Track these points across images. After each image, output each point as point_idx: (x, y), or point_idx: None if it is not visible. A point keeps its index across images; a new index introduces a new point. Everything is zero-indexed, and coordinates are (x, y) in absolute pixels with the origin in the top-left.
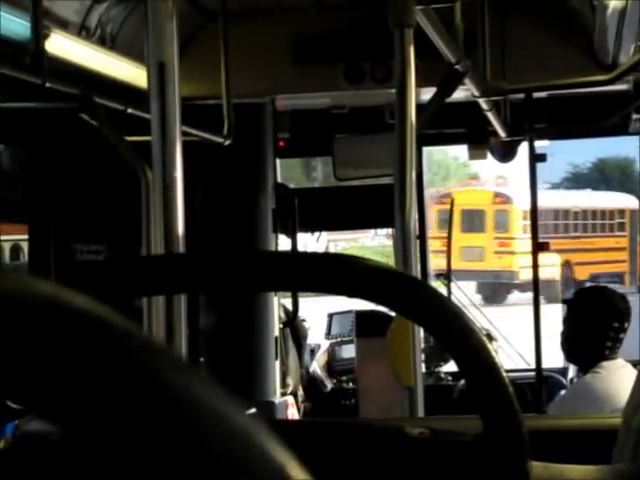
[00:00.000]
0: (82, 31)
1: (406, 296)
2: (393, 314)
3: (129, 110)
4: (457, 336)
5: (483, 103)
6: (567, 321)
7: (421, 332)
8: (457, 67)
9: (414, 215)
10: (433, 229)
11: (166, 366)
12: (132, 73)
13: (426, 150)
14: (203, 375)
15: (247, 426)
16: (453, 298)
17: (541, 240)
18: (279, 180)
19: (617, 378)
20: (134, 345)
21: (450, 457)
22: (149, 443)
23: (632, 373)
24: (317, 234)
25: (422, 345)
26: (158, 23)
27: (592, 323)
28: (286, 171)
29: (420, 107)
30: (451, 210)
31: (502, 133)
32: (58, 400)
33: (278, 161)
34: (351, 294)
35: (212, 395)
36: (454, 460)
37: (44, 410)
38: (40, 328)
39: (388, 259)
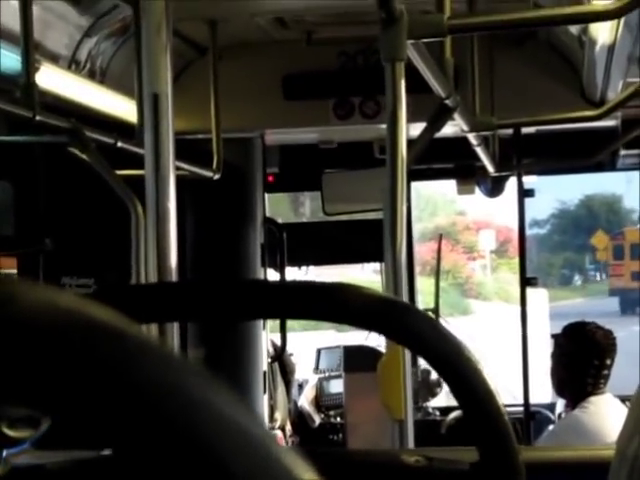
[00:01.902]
0: (72, 64)
1: (402, 323)
2: (381, 349)
3: (119, 144)
4: (452, 363)
5: (472, 138)
6: (553, 356)
7: (410, 365)
8: (447, 102)
9: (404, 250)
10: None
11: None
12: (122, 107)
13: (414, 186)
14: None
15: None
16: None
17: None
18: (267, 215)
19: (605, 413)
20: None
21: None
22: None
23: (620, 408)
24: (305, 269)
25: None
26: (152, 55)
27: (573, 359)
28: (274, 206)
29: (409, 142)
30: (439, 249)
31: (490, 168)
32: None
33: (267, 196)
34: (348, 322)
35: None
36: None
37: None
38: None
39: None
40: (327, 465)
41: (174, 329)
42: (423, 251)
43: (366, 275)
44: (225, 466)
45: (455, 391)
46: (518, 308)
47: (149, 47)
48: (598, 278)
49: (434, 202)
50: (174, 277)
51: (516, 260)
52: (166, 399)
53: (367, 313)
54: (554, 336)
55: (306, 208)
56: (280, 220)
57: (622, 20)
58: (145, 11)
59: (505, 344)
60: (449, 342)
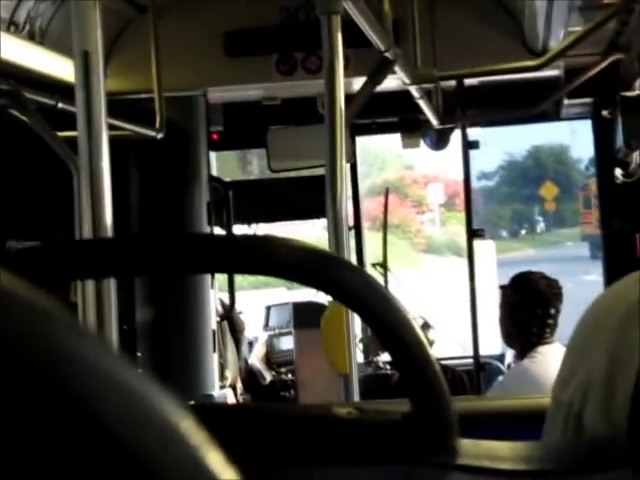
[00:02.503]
0: (10, 26)
1: (328, 274)
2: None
3: (59, 105)
4: (381, 314)
5: (414, 91)
6: (500, 307)
7: (357, 320)
8: (387, 55)
9: (345, 205)
10: None
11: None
12: (62, 68)
13: (361, 142)
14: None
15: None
16: (390, 287)
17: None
18: (214, 174)
19: (553, 362)
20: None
21: (378, 435)
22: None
23: None
24: (254, 226)
25: (360, 334)
26: (82, 12)
27: (517, 309)
28: (222, 165)
29: (351, 97)
30: (385, 203)
31: (434, 121)
32: None
33: (213, 155)
34: (275, 274)
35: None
36: (382, 438)
37: None
38: None
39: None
40: (259, 419)
41: (111, 288)
42: (372, 206)
43: (316, 232)
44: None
45: (385, 342)
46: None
47: (79, 4)
48: (546, 229)
49: (382, 157)
50: (109, 234)
51: (464, 213)
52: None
53: (294, 265)
54: (502, 287)
55: (254, 166)
56: (228, 179)
57: None
58: None
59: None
60: (377, 293)
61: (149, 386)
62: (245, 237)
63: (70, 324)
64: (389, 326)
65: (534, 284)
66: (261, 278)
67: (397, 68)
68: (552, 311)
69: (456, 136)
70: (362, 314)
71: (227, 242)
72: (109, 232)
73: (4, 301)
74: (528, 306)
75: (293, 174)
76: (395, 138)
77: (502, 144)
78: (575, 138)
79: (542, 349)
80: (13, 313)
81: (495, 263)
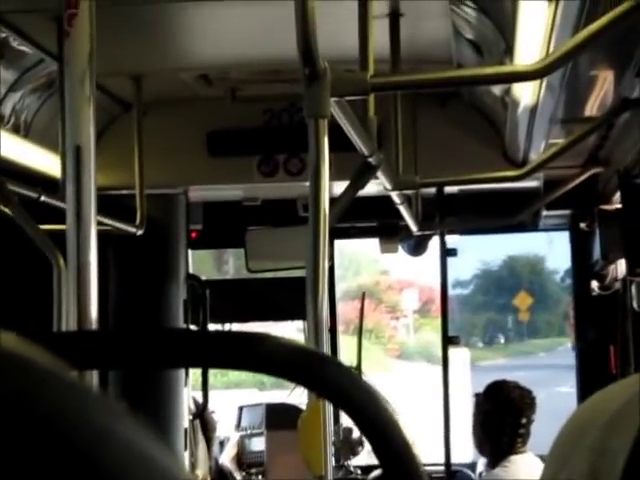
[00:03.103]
0: None
1: (320, 373)
2: (303, 407)
3: (42, 198)
4: (370, 415)
5: (395, 197)
6: (473, 415)
7: (332, 423)
8: (370, 160)
9: (326, 308)
10: None
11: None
12: (46, 161)
13: (337, 244)
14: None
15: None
16: None
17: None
18: (191, 271)
19: (525, 471)
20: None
21: None
22: None
23: (540, 466)
24: (228, 326)
25: (332, 437)
26: (75, 107)
27: (489, 418)
28: (198, 263)
29: (332, 200)
30: (361, 308)
31: (413, 227)
32: None
33: (190, 252)
34: (267, 371)
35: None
36: None
37: None
38: None
39: None
40: None
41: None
42: (346, 310)
43: (290, 333)
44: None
45: (372, 442)
46: (440, 367)
47: (72, 99)
48: (520, 339)
49: (358, 261)
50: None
51: (439, 320)
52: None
53: (286, 363)
54: (476, 395)
55: (230, 266)
56: (203, 277)
57: (544, 81)
58: (69, 63)
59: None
60: (367, 393)
61: (178, 465)
62: (235, 333)
63: (105, 403)
64: (377, 425)
65: (506, 393)
66: (233, 378)
67: (379, 173)
68: (524, 420)
69: (433, 242)
70: (350, 412)
71: (216, 338)
72: (94, 325)
73: (39, 380)
74: (500, 415)
75: (270, 275)
76: (371, 242)
77: (477, 252)
78: (551, 248)
79: (514, 458)
80: (49, 392)
81: (469, 370)
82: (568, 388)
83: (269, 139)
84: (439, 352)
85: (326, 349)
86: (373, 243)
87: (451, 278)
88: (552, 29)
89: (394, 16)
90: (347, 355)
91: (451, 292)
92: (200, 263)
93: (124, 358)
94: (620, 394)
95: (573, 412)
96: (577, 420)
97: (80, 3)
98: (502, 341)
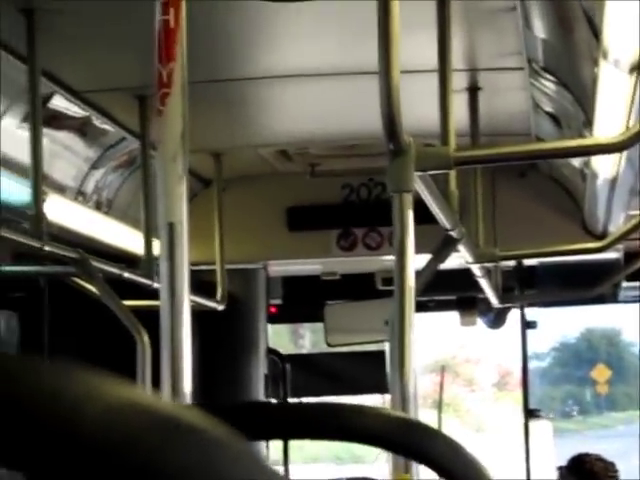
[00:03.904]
0: (79, 196)
1: (420, 443)
2: None
3: (125, 274)
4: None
5: (475, 269)
6: None
7: None
8: (452, 233)
9: (413, 381)
10: None
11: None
12: (127, 238)
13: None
14: None
15: None
16: None
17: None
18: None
19: None
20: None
21: None
22: None
23: None
24: (306, 399)
25: None
26: (169, 185)
27: None
28: (274, 337)
29: (415, 273)
30: (442, 382)
31: (494, 300)
32: None
33: (269, 327)
34: (368, 442)
35: None
36: None
37: None
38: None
39: None
40: None
41: None
42: (424, 383)
43: None
44: None
45: None
46: (518, 441)
47: (164, 177)
48: (598, 411)
49: (435, 333)
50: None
51: (515, 393)
52: None
53: (386, 433)
54: (559, 468)
55: (306, 340)
56: (281, 351)
57: (624, 154)
58: (160, 141)
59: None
60: (468, 461)
61: None
62: (334, 405)
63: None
64: None
65: (589, 466)
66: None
67: (460, 246)
68: None
69: (512, 314)
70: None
71: (318, 410)
72: (189, 402)
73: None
74: None
75: (348, 349)
76: (447, 314)
77: (554, 327)
78: (629, 321)
79: None
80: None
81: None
82: None
83: (348, 214)
84: (516, 425)
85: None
86: (450, 315)
87: (529, 350)
88: (632, 100)
89: (473, 90)
90: None
91: (529, 364)
92: (277, 337)
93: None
94: None
95: None
96: None
97: (173, 83)
98: (581, 414)
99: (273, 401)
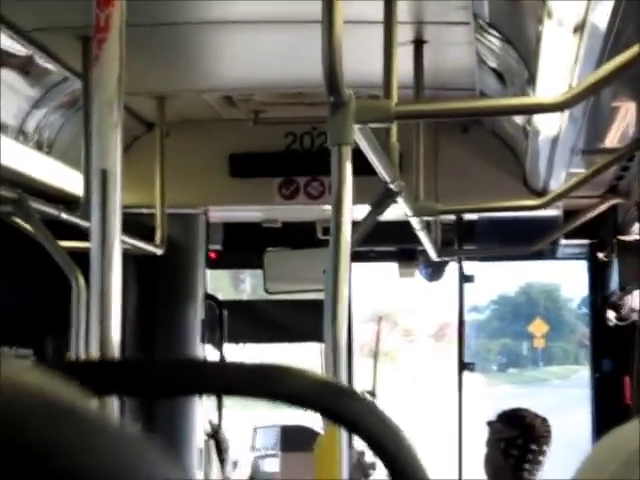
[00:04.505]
0: (20, 135)
1: (341, 406)
2: (318, 429)
3: (63, 216)
4: (389, 448)
5: (415, 223)
6: (488, 444)
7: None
8: (391, 186)
9: (345, 332)
10: None
11: None
12: (68, 179)
13: (355, 268)
14: None
15: None
16: None
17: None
18: (208, 291)
19: None
20: None
21: None
22: None
23: None
24: (243, 346)
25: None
26: (102, 131)
27: (512, 445)
28: (214, 282)
29: (353, 224)
30: (378, 332)
31: (432, 253)
32: None
33: (208, 272)
34: (287, 403)
35: None
36: None
37: None
38: None
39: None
40: None
41: (114, 404)
42: (361, 333)
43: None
44: None
45: (389, 469)
46: (453, 391)
47: (99, 123)
48: (534, 365)
49: (374, 284)
50: (116, 351)
51: (453, 345)
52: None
53: (306, 395)
54: (489, 423)
55: (246, 285)
56: (220, 296)
57: (566, 112)
58: (97, 87)
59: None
60: (387, 427)
61: None
62: (261, 365)
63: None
64: (396, 460)
65: (530, 421)
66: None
67: (399, 199)
68: (545, 448)
69: (451, 268)
70: (372, 446)
71: (242, 368)
72: (116, 348)
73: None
74: (524, 442)
75: (287, 297)
76: (387, 265)
77: (494, 279)
78: (568, 277)
79: None
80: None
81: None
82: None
83: (290, 162)
84: (454, 377)
85: (344, 372)
86: (389, 266)
87: (467, 303)
88: (576, 60)
89: (418, 43)
90: (362, 378)
91: (467, 317)
92: (217, 281)
93: (142, 387)
94: (637, 432)
95: (591, 449)
96: (595, 457)
97: (111, 28)
98: (517, 367)
99: (209, 347)
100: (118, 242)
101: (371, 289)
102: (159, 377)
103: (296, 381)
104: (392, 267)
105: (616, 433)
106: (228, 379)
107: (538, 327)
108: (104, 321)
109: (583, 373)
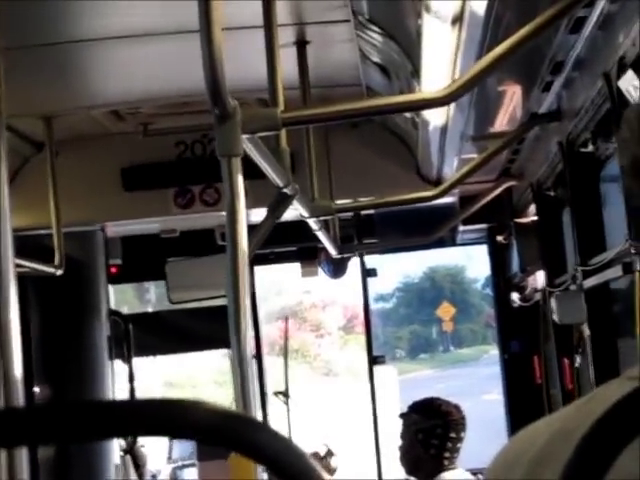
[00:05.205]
0: None
1: (248, 440)
2: None
3: None
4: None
5: (312, 223)
6: (403, 435)
7: None
8: (285, 190)
9: (250, 336)
10: None
11: None
12: None
13: (258, 268)
14: None
15: None
16: (292, 414)
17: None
18: (112, 305)
19: None
20: None
21: None
22: None
23: None
24: (153, 358)
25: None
26: None
27: (431, 435)
28: (119, 295)
29: (251, 227)
30: (286, 331)
31: (332, 250)
32: None
33: (111, 287)
34: (195, 438)
35: None
36: None
37: None
38: None
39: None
40: None
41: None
42: (270, 331)
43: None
44: None
45: None
46: (367, 385)
47: None
48: (445, 349)
49: (279, 281)
50: (19, 386)
51: (362, 336)
52: None
53: (212, 430)
54: (403, 415)
55: (151, 295)
56: (126, 309)
57: None
58: None
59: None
60: (295, 455)
61: None
62: (159, 402)
63: None
64: None
65: (445, 409)
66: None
67: (295, 201)
68: (462, 435)
69: (354, 262)
70: (277, 474)
71: (142, 407)
72: (19, 382)
73: None
74: (443, 431)
75: (193, 305)
76: (289, 265)
77: (398, 266)
78: (471, 259)
79: (448, 475)
80: None
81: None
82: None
83: (183, 171)
84: (365, 368)
85: (251, 375)
86: (294, 266)
87: (373, 293)
88: (457, 51)
89: (301, 44)
90: (273, 377)
91: (374, 306)
92: (121, 294)
93: (51, 434)
94: (545, 430)
95: (502, 448)
96: (506, 455)
97: None
98: (428, 352)
99: (118, 362)
100: (11, 263)
101: (277, 288)
102: (66, 423)
103: (198, 415)
104: (295, 266)
105: (523, 433)
106: (135, 419)
107: (445, 310)
108: (5, 347)
109: (492, 352)
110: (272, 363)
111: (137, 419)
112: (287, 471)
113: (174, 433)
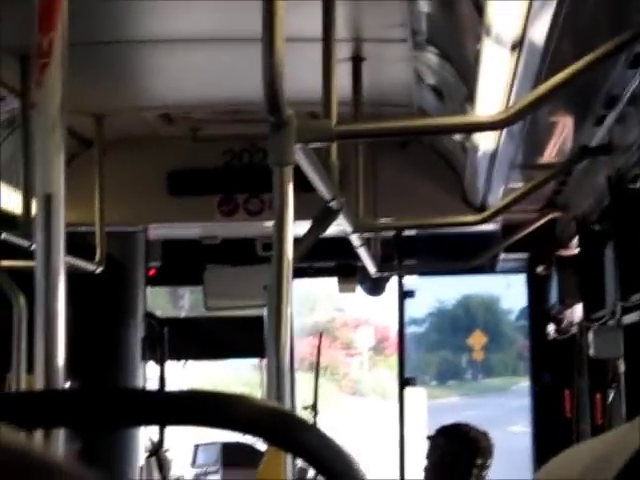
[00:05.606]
0: None
1: (291, 436)
2: (258, 446)
3: (2, 236)
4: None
5: (354, 239)
6: (430, 458)
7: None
8: (332, 204)
9: (288, 347)
10: None
11: None
12: (5, 198)
13: (295, 283)
14: None
15: None
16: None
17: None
18: (148, 309)
19: None
20: None
21: None
22: None
23: None
24: (185, 362)
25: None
26: (46, 155)
27: (456, 459)
28: (152, 298)
29: (294, 240)
30: (319, 347)
31: (372, 268)
32: None
33: (148, 290)
34: (240, 431)
35: None
36: None
37: None
38: None
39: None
40: None
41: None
42: (300, 347)
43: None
44: None
45: None
46: (396, 406)
47: (43, 148)
48: (474, 377)
49: (313, 297)
50: (61, 376)
51: (392, 358)
52: None
53: (258, 424)
54: (431, 437)
55: (185, 301)
56: (159, 313)
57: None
58: (39, 110)
59: (382, 440)
60: (338, 455)
61: None
62: (210, 393)
63: None
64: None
65: (473, 435)
66: None
67: (340, 216)
68: (489, 462)
69: (391, 282)
70: (323, 473)
71: (193, 397)
72: (61, 373)
73: None
74: (469, 456)
75: (226, 313)
76: (327, 280)
77: (433, 291)
78: (507, 289)
79: None
80: None
81: (426, 410)
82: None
83: (229, 179)
84: (393, 389)
85: (287, 389)
86: (330, 280)
87: (406, 316)
88: (514, 77)
89: (357, 60)
90: (302, 392)
91: (406, 330)
92: (155, 298)
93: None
94: (585, 454)
95: (540, 471)
96: (548, 475)
97: (53, 53)
98: (456, 380)
99: (150, 364)
100: (62, 264)
101: (310, 304)
102: (108, 409)
103: (246, 409)
104: (334, 281)
105: (561, 457)
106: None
107: (477, 339)
108: (49, 346)
109: (521, 384)
110: (300, 379)
111: (192, 407)
112: (330, 470)
113: (229, 426)
